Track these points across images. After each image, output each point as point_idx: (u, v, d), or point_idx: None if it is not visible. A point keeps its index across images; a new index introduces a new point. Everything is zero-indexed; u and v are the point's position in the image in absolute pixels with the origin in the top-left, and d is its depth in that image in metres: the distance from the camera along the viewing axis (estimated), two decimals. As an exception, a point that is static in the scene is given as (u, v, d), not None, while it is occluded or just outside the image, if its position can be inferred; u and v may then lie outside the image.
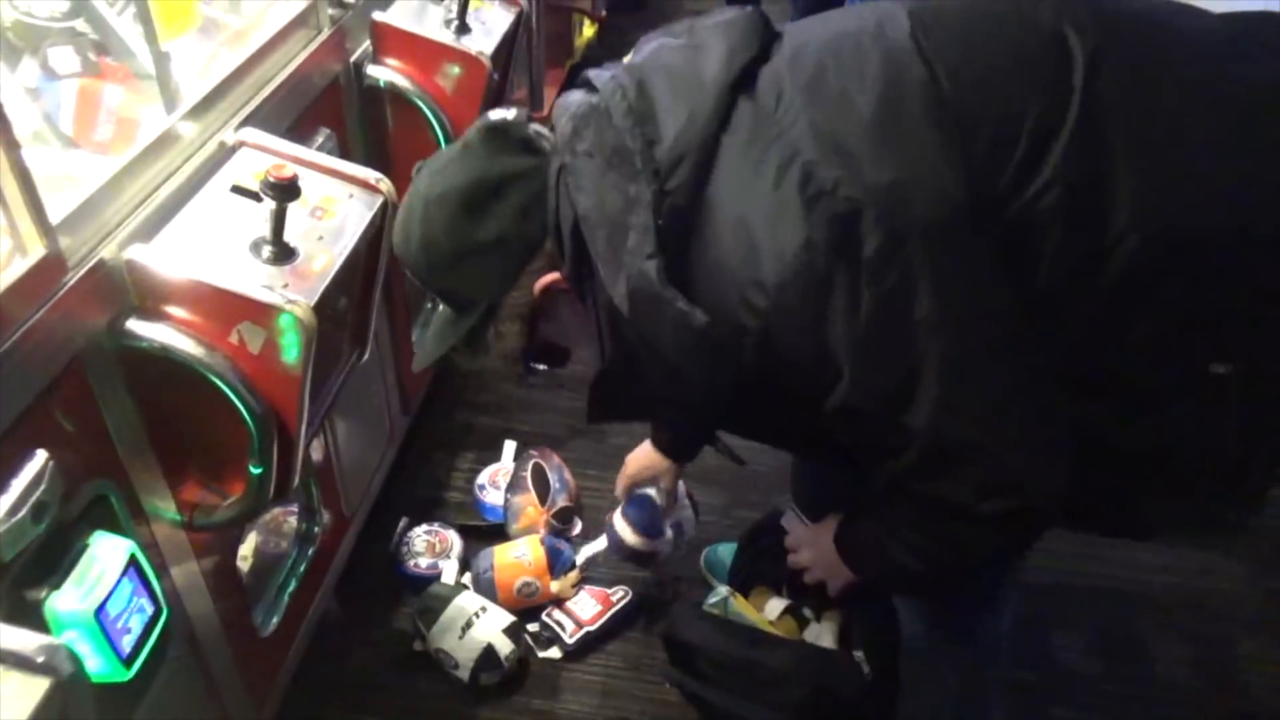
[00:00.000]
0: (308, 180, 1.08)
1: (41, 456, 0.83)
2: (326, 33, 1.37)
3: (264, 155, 1.13)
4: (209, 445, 1.09)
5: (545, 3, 2.31)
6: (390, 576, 1.79)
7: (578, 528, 1.91)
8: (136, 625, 0.88)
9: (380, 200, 1.17)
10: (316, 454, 1.48)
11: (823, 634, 1.51)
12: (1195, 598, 1.83)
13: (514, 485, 1.92)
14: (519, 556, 1.73)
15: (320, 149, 1.32)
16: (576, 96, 0.96)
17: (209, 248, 1.01)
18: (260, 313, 0.97)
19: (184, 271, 0.96)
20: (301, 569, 1.48)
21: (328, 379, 1.26)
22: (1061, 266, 0.84)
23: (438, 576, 1.75)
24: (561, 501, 1.88)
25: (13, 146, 0.80)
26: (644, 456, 1.55)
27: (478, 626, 1.59)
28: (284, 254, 1.03)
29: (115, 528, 0.93)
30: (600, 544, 1.62)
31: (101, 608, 0.83)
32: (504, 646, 1.59)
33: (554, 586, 1.72)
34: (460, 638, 1.59)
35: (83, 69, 1.19)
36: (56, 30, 1.20)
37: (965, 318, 0.84)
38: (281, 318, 0.97)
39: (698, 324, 0.86)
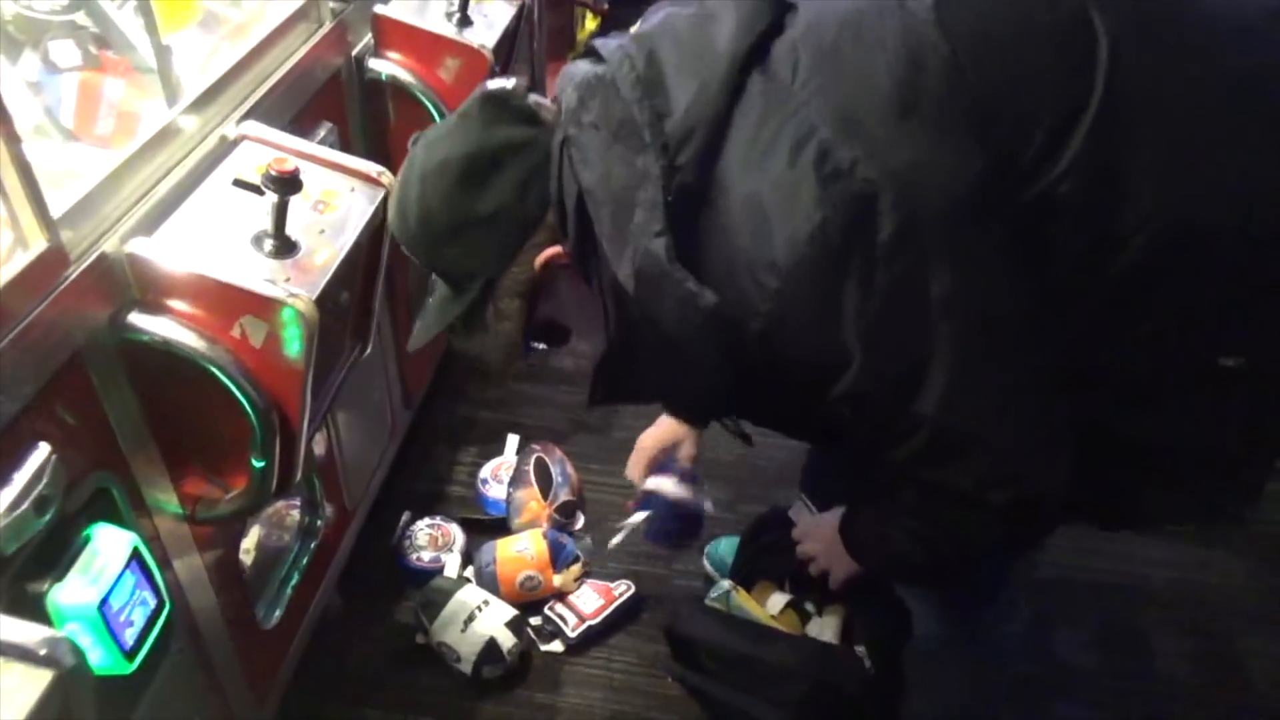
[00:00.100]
0: (309, 174, 1.08)
1: (44, 450, 0.83)
2: (328, 26, 1.37)
3: (265, 149, 1.13)
4: (211, 439, 1.09)
5: (547, -4, 2.31)
6: (392, 570, 1.79)
7: (580, 522, 1.91)
8: (139, 618, 0.88)
9: (382, 194, 1.17)
10: (319, 448, 1.48)
11: (825, 629, 1.51)
12: (1196, 593, 1.83)
13: (516, 479, 1.92)
14: (521, 550, 1.73)
15: (322, 142, 1.32)
16: (582, 66, 0.93)
17: (211, 241, 1.01)
18: (262, 306, 0.97)
19: (186, 265, 0.96)
20: (304, 563, 1.48)
21: (330, 373, 1.26)
22: (1074, 255, 0.83)
23: (440, 570, 1.75)
24: (564, 495, 1.88)
25: (14, 140, 0.80)
26: (660, 428, 1.52)
27: (480, 620, 1.60)
28: (286, 247, 1.03)
29: (117, 521, 0.93)
30: (636, 516, 1.59)
31: (104, 600, 0.83)
32: (506, 640, 1.59)
33: (556, 580, 1.72)
34: (463, 631, 1.59)
35: (84, 62, 1.19)
36: (57, 24, 1.20)
37: (979, 303, 0.82)
38: (283, 311, 0.96)
39: (706, 304, 0.84)
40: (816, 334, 0.84)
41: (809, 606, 1.55)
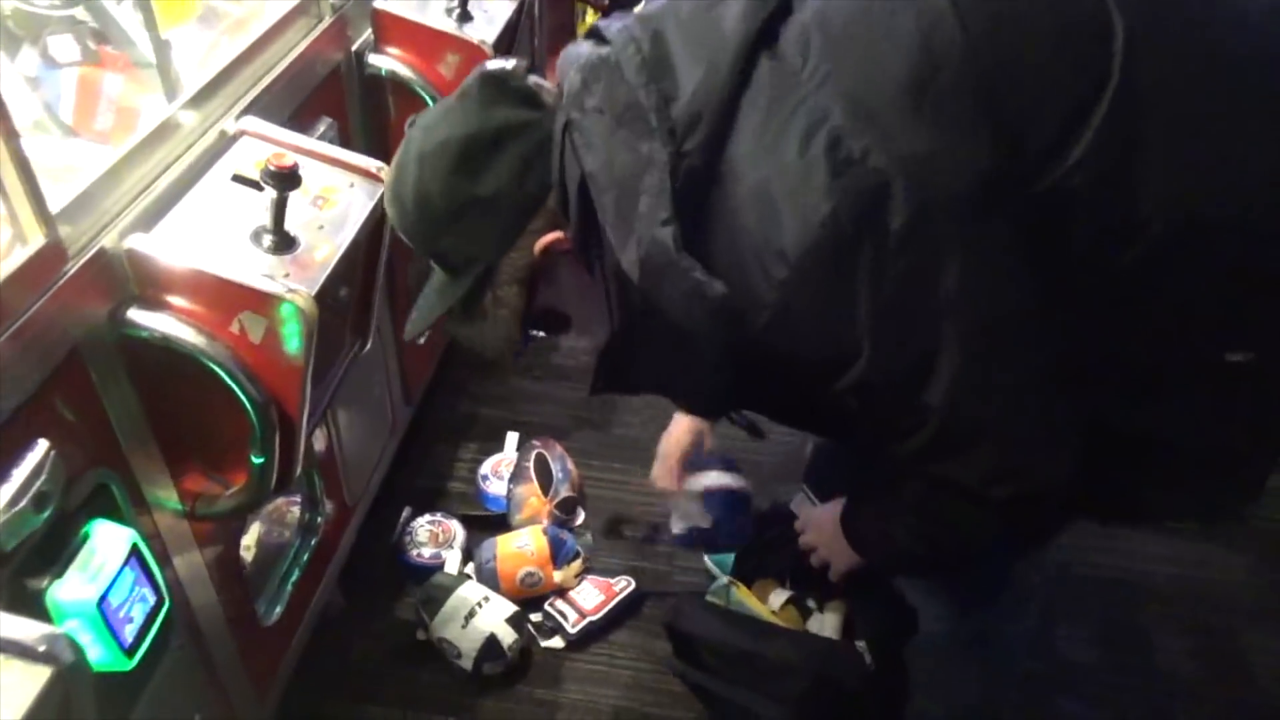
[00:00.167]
0: (309, 169, 1.08)
1: (43, 446, 0.83)
2: (327, 21, 1.36)
3: (265, 144, 1.13)
4: (211, 435, 1.09)
5: (548, -9, 2.30)
6: (393, 566, 1.79)
7: (580, 518, 1.91)
8: (138, 615, 0.88)
9: (382, 189, 1.17)
10: (319, 444, 1.48)
11: (825, 625, 1.51)
12: (1198, 589, 1.83)
13: (517, 475, 1.92)
14: (522, 546, 1.73)
15: (321, 138, 1.31)
16: (584, 48, 0.91)
17: (210, 237, 1.00)
18: (261, 302, 0.96)
19: (184, 261, 0.96)
20: (304, 559, 1.48)
21: (330, 369, 1.26)
22: (1083, 248, 0.82)
23: (440, 566, 1.75)
24: (564, 492, 1.88)
25: (12, 136, 0.80)
26: (678, 428, 1.47)
27: (480, 616, 1.60)
28: (285, 243, 1.03)
29: (117, 517, 0.93)
30: (693, 516, 1.54)
31: (103, 597, 0.83)
32: (507, 636, 1.59)
33: (557, 576, 1.72)
34: (463, 627, 1.59)
35: (83, 57, 1.19)
36: (56, 19, 1.20)
37: (989, 296, 0.81)
38: (283, 307, 0.96)
39: (715, 294, 0.82)
40: (824, 325, 0.83)
41: (810, 603, 1.55)
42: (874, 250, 0.77)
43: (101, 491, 0.93)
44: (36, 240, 0.84)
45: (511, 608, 1.63)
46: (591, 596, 1.72)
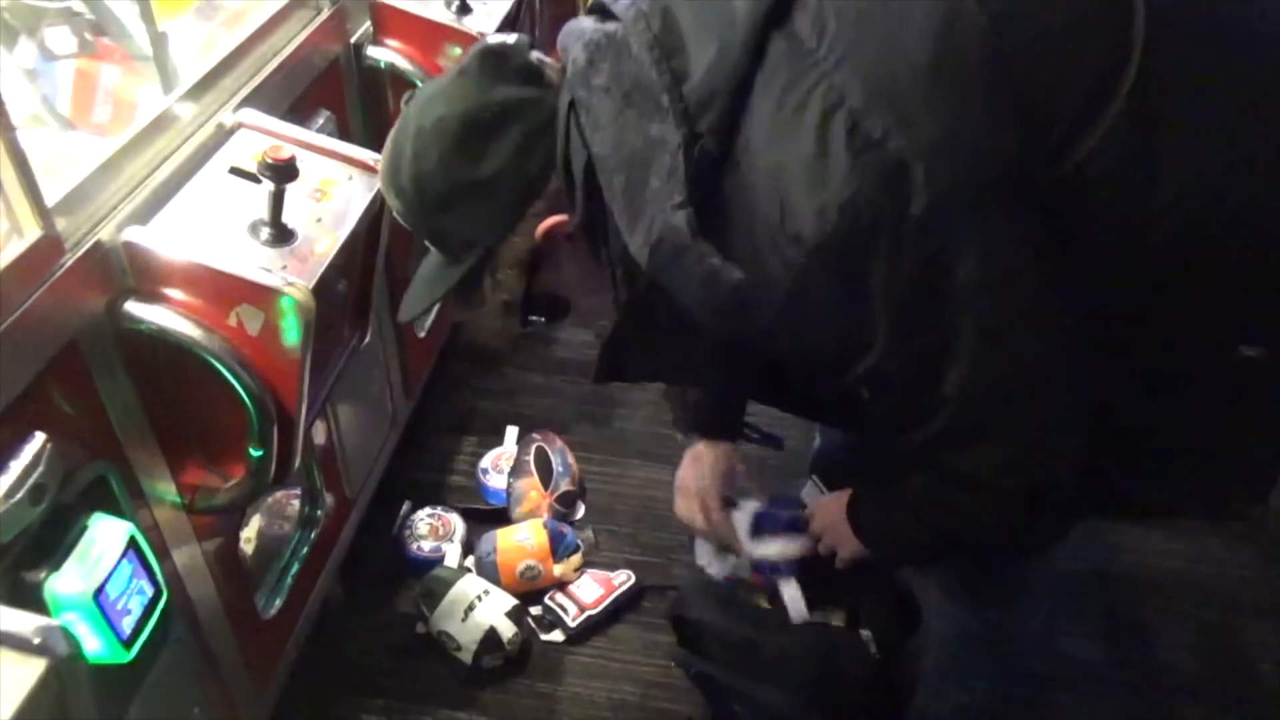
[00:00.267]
0: (307, 162, 1.08)
1: (40, 439, 0.83)
2: (326, 13, 1.36)
3: (262, 137, 1.13)
4: (209, 428, 1.08)
5: (548, -17, 2.29)
6: (393, 560, 1.79)
7: (580, 511, 1.91)
8: (136, 607, 0.88)
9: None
10: (319, 437, 1.48)
11: (830, 615, 1.51)
12: (1201, 584, 1.82)
13: (517, 469, 1.92)
14: (522, 540, 1.73)
15: (320, 131, 1.31)
16: (587, 24, 0.88)
17: (207, 229, 1.00)
18: (259, 295, 0.96)
19: (182, 253, 0.96)
20: (304, 552, 1.48)
21: (328, 362, 1.26)
22: (1102, 236, 0.80)
23: (440, 560, 1.75)
24: (564, 485, 1.88)
25: (8, 128, 0.80)
26: (701, 462, 1.33)
27: (480, 609, 1.60)
28: (283, 236, 1.03)
29: (115, 510, 0.93)
30: (736, 566, 1.39)
31: (101, 589, 0.83)
32: (506, 629, 1.59)
33: (556, 570, 1.72)
34: (463, 620, 1.59)
35: (80, 50, 1.19)
36: (53, 11, 1.20)
37: (1007, 286, 0.79)
38: (280, 300, 0.96)
39: (731, 280, 0.80)
40: (838, 312, 0.81)
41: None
42: (892, 236, 0.76)
43: (99, 484, 0.93)
44: (33, 232, 0.84)
45: (511, 601, 1.63)
46: (591, 590, 1.72)
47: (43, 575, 0.82)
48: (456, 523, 1.83)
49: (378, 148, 1.20)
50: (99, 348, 0.93)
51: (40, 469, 0.81)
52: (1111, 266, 0.82)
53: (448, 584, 1.64)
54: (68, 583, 0.82)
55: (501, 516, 1.87)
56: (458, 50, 1.52)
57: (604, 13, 0.88)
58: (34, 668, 0.63)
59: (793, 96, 0.77)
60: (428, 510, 1.85)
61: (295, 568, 1.46)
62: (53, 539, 0.84)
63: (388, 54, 1.48)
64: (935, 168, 0.74)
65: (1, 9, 1.16)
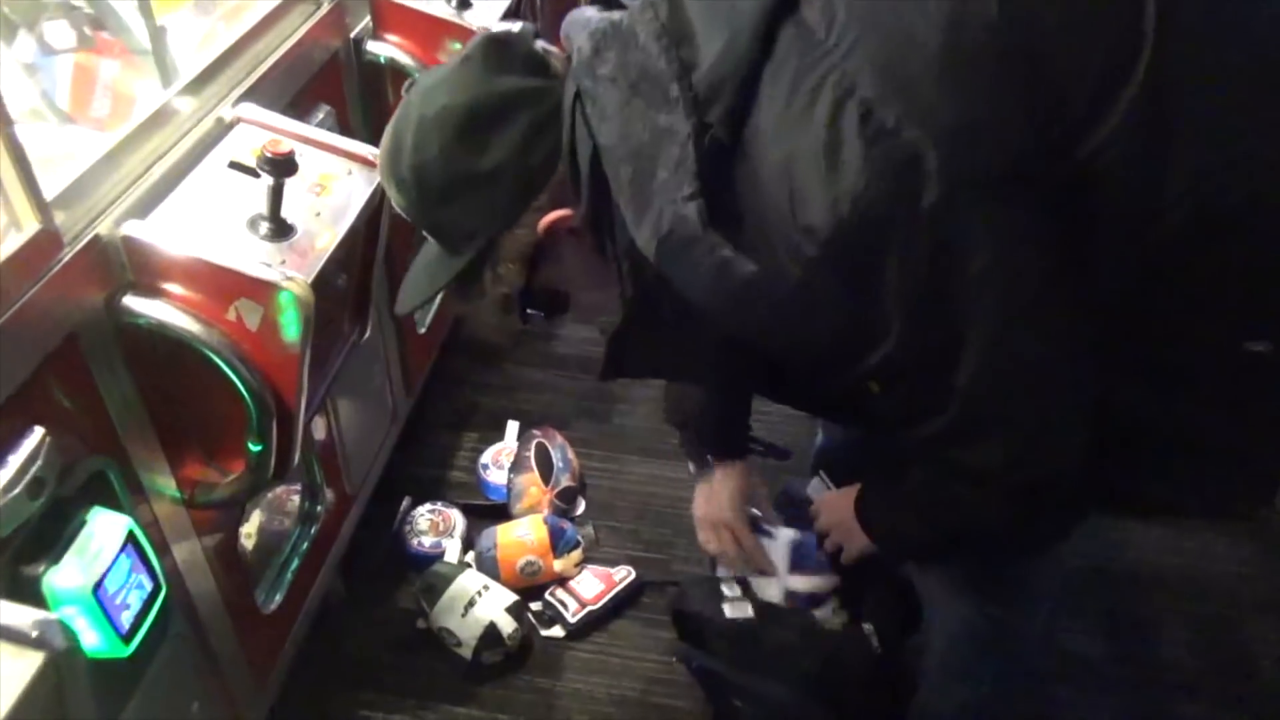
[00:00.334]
0: (306, 156, 1.08)
1: (38, 433, 0.83)
2: (326, 7, 1.36)
3: (262, 131, 1.12)
4: (208, 423, 1.09)
5: (549, -22, 2.29)
6: (393, 555, 1.79)
7: (581, 507, 1.91)
8: (135, 601, 0.88)
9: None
10: (319, 433, 1.48)
11: (832, 611, 1.51)
12: (1202, 580, 1.82)
13: (517, 465, 1.92)
14: (522, 536, 1.73)
15: (319, 125, 1.31)
16: (591, 12, 0.87)
17: (206, 224, 1.00)
18: (258, 290, 0.96)
19: (181, 248, 0.96)
20: (304, 547, 1.48)
21: (328, 357, 1.26)
22: (1112, 228, 0.80)
23: (441, 555, 1.75)
24: (565, 481, 1.88)
25: (6, 122, 0.79)
26: (717, 491, 1.33)
27: (480, 605, 1.60)
28: (282, 230, 1.03)
29: (114, 504, 0.93)
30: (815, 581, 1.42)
31: (99, 584, 0.83)
32: (506, 625, 1.59)
33: (557, 565, 1.72)
34: (463, 616, 1.59)
35: (79, 44, 1.18)
36: (53, 5, 1.20)
37: (1020, 276, 0.79)
38: (279, 295, 0.96)
39: (744, 271, 0.78)
40: (851, 303, 0.80)
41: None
42: (905, 227, 0.75)
43: (98, 478, 0.93)
44: (31, 227, 0.84)
45: (511, 597, 1.63)
46: (591, 586, 1.72)
47: (41, 569, 0.82)
48: (457, 518, 1.83)
49: (377, 143, 1.19)
50: (98, 342, 0.93)
51: (39, 463, 0.81)
52: (1116, 260, 0.82)
53: (448, 579, 1.64)
54: (66, 577, 0.82)
55: (502, 512, 1.87)
56: (458, 45, 1.51)
57: (608, 2, 0.87)
58: (31, 661, 0.63)
59: (804, 86, 0.76)
60: (428, 506, 1.85)
61: (295, 563, 1.46)
62: (51, 533, 0.84)
63: (388, 49, 1.48)
64: (948, 157, 0.73)
65: (0, 3, 1.16)
